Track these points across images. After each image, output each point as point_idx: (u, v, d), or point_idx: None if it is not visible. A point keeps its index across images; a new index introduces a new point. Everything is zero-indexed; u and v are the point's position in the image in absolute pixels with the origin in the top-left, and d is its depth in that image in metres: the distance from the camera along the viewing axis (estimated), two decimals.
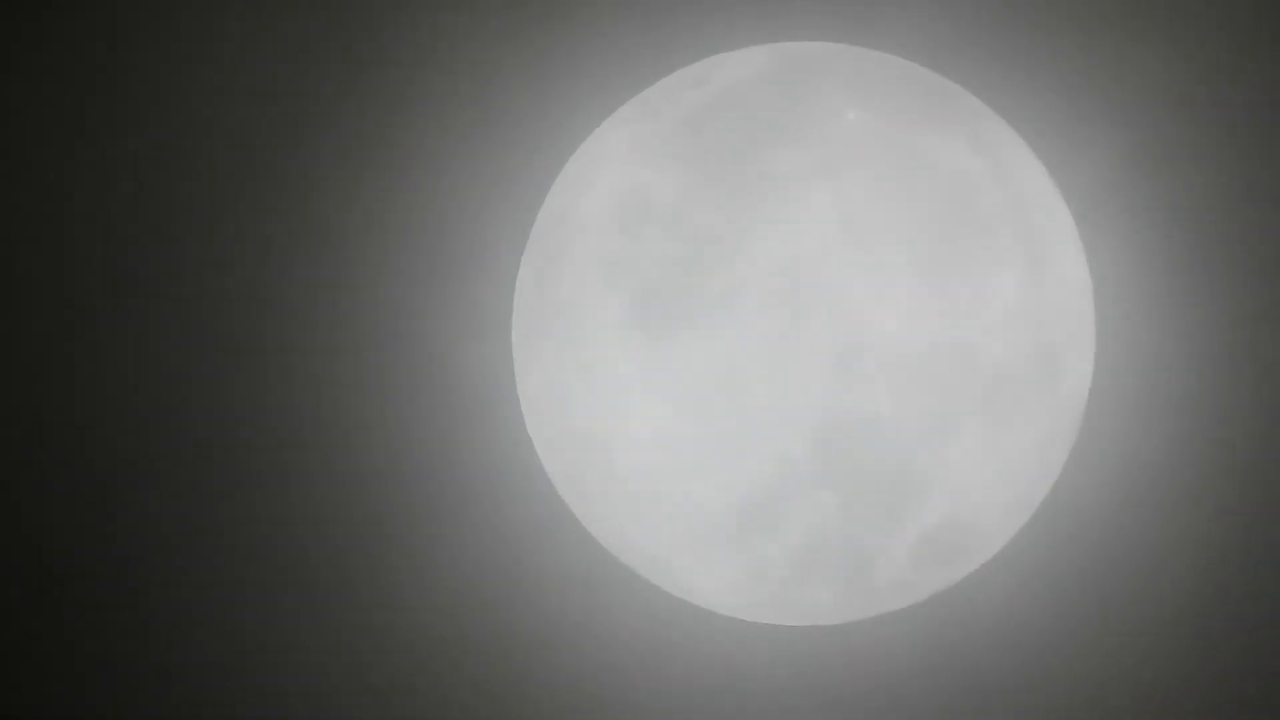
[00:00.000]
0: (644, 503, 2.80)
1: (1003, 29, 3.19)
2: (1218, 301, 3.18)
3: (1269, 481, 3.19)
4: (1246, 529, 3.19)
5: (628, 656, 3.21)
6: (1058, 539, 3.17)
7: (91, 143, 3.25)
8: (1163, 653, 3.20)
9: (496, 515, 3.20)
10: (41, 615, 3.26)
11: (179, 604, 3.25)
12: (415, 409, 3.21)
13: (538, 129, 3.21)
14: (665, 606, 3.15)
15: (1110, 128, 3.20)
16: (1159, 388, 3.18)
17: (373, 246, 3.23)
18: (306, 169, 3.24)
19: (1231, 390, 3.18)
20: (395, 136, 3.23)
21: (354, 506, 3.22)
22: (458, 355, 3.20)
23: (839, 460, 2.69)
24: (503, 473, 3.19)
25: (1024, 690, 3.20)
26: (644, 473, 2.77)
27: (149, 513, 3.24)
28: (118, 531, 3.25)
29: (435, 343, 3.21)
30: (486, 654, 3.23)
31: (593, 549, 3.04)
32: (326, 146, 3.23)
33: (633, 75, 3.17)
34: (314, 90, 3.24)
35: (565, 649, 3.21)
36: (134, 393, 3.24)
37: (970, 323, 2.72)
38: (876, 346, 2.67)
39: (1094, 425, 3.13)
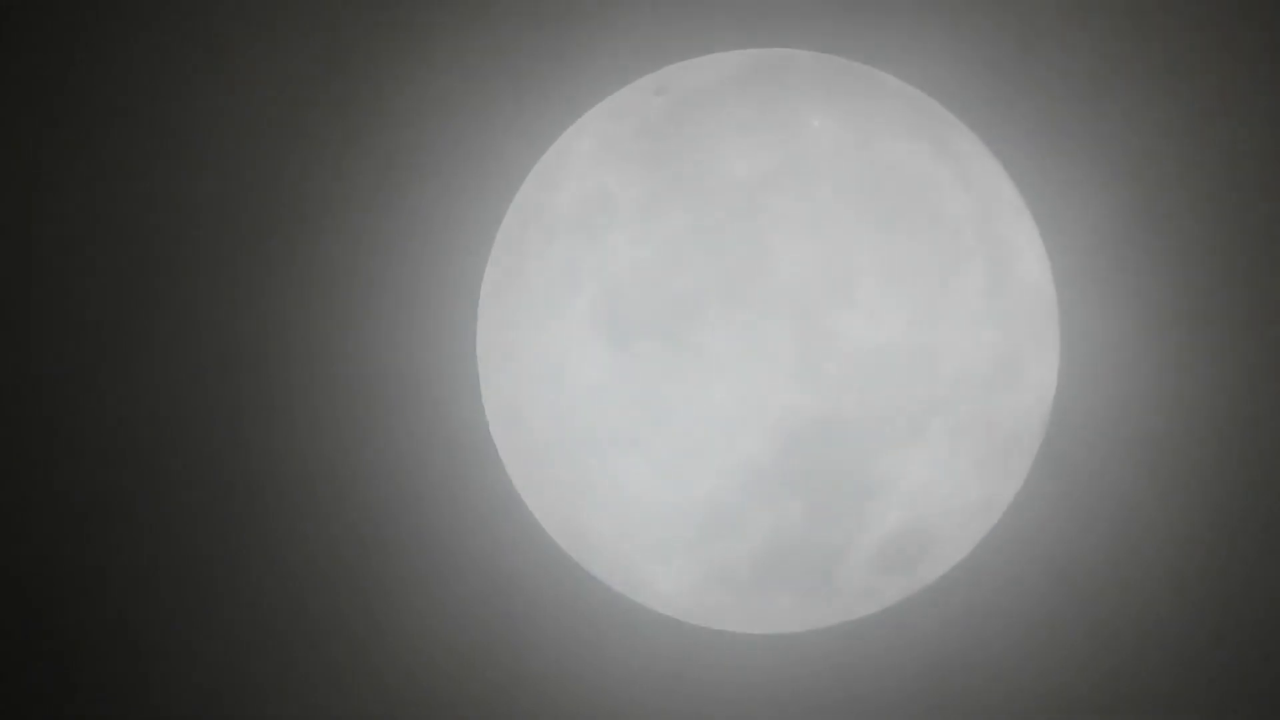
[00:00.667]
0: (607, 508, 2.79)
1: (972, 39, 3.20)
2: (1181, 308, 3.19)
3: (1235, 485, 3.19)
4: (1213, 531, 3.19)
5: (588, 662, 3.19)
6: (1023, 545, 3.17)
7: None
8: (1129, 659, 3.20)
9: (457, 520, 3.19)
10: (40, 674, 3.25)
11: (155, 639, 3.24)
12: (377, 414, 3.20)
13: (503, 134, 3.21)
14: (627, 612, 3.14)
15: (1075, 136, 3.20)
16: (1122, 393, 3.18)
17: (336, 252, 3.22)
18: (272, 177, 3.23)
19: (1196, 394, 3.19)
20: (361, 143, 3.22)
21: (309, 506, 3.21)
22: (421, 362, 3.20)
23: (802, 465, 2.69)
24: (465, 478, 3.18)
25: (988, 699, 3.19)
26: (607, 477, 2.76)
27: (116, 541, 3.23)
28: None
29: (400, 349, 3.20)
30: (440, 657, 3.22)
31: (555, 554, 3.03)
32: (294, 154, 3.23)
33: (599, 81, 3.17)
34: (281, 97, 3.23)
35: (525, 654, 3.20)
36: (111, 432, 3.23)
37: (934, 327, 2.71)
38: (840, 351, 2.67)
39: (1058, 430, 3.13)
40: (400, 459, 3.20)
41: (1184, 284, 3.19)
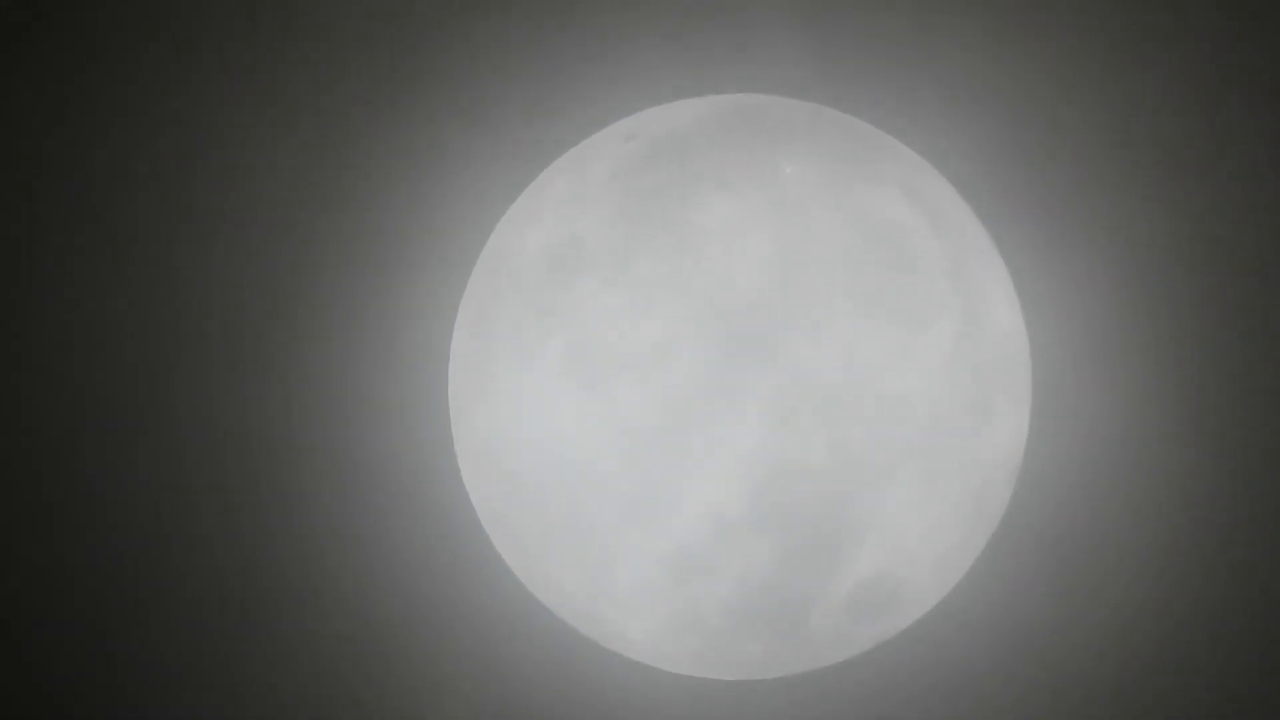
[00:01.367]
0: (577, 551, 2.77)
1: (948, 85, 3.21)
2: (1153, 354, 3.19)
3: (1207, 531, 3.19)
4: (1186, 577, 3.19)
5: (557, 708, 3.17)
6: (995, 592, 3.16)
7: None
8: (1106, 707, 3.19)
9: (429, 560, 3.18)
10: None
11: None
12: (349, 455, 3.19)
13: (476, 180, 3.21)
14: (596, 658, 3.12)
15: (1045, 181, 3.21)
16: (1094, 438, 3.18)
17: (310, 294, 3.21)
18: (245, 214, 3.23)
19: (1166, 441, 3.19)
20: (333, 185, 3.22)
21: (282, 543, 3.20)
22: (393, 403, 3.19)
23: (774, 509, 2.67)
24: (437, 519, 3.17)
25: None
26: (578, 521, 2.74)
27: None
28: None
29: (372, 390, 3.20)
30: (407, 695, 3.20)
31: (524, 598, 3.01)
32: (266, 193, 3.22)
33: (569, 127, 3.18)
34: (249, 139, 3.23)
35: (492, 698, 3.18)
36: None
37: (906, 372, 2.71)
38: (812, 395, 2.66)
39: (1030, 477, 3.13)
40: (366, 507, 3.19)
41: (1160, 333, 3.20)
